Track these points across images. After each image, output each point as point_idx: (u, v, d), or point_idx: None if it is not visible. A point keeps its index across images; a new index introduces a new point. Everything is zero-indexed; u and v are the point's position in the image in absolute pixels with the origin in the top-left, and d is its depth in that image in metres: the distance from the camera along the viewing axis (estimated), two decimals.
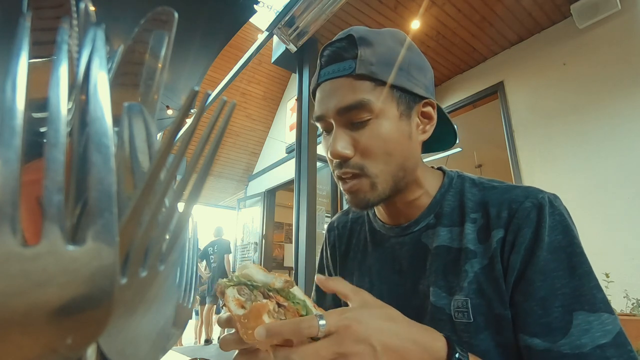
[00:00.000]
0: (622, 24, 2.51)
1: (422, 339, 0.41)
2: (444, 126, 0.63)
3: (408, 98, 0.56)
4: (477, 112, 3.69)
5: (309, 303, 0.43)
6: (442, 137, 0.65)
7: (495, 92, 3.23)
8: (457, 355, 0.41)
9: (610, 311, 0.45)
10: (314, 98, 0.60)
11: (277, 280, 0.43)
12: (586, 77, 2.65)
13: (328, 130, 0.57)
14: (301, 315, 0.41)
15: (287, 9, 2.90)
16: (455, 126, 0.65)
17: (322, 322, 0.37)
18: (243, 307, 0.40)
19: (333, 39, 0.58)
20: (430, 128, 0.59)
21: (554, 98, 2.81)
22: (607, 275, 1.82)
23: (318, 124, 0.58)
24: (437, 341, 0.42)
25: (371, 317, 0.39)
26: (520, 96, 3.05)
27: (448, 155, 5.03)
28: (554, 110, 2.80)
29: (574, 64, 2.73)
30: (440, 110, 0.61)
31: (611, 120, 2.48)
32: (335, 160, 0.55)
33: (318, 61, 0.59)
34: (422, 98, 0.57)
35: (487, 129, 4.16)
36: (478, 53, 3.26)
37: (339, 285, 0.43)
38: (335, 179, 0.58)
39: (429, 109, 0.59)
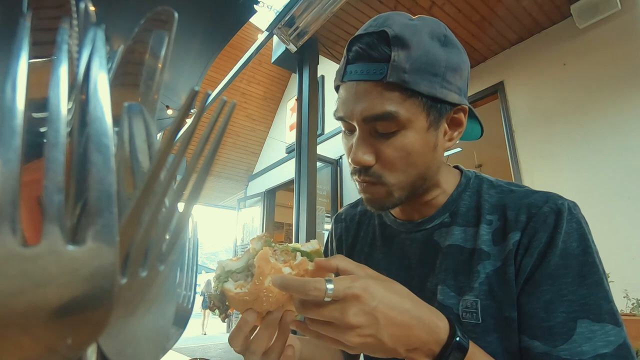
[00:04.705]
0: (622, 24, 2.51)
1: (427, 317, 0.41)
2: (469, 119, 0.61)
3: (440, 106, 0.52)
4: (477, 112, 3.69)
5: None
6: (467, 131, 0.64)
7: (495, 92, 3.23)
8: (457, 339, 0.41)
9: (616, 323, 0.45)
10: (337, 91, 0.57)
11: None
12: (586, 77, 2.65)
13: (350, 130, 0.55)
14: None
15: (287, 9, 2.89)
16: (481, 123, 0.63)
17: (329, 286, 0.37)
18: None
19: (363, 31, 0.52)
20: (457, 135, 0.56)
21: (554, 98, 2.81)
22: (607, 275, 1.81)
23: (339, 122, 0.56)
24: (440, 322, 0.42)
25: (380, 288, 0.39)
26: (520, 96, 3.05)
27: (448, 155, 5.02)
28: (554, 110, 2.80)
29: (574, 64, 2.73)
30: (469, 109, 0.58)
31: (611, 120, 2.47)
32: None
33: (344, 53, 0.54)
34: (455, 105, 0.53)
35: (487, 129, 4.16)
36: (478, 53, 3.26)
37: (341, 262, 0.42)
38: (353, 180, 0.57)
39: (460, 115, 0.55)
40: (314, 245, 0.46)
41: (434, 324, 0.41)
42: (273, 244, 0.45)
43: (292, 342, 0.54)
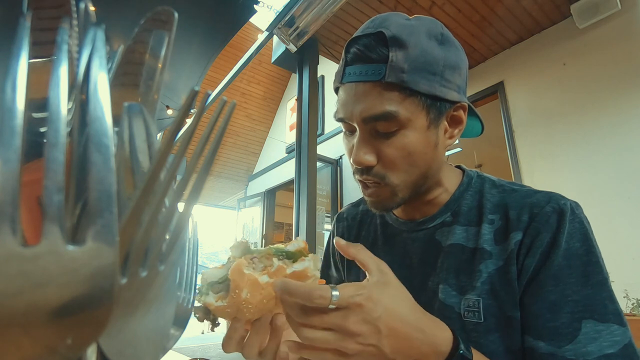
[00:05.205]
0: (622, 24, 2.51)
1: (430, 329, 0.41)
2: (469, 116, 0.61)
3: (439, 105, 0.52)
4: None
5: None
6: (467, 128, 0.64)
7: (495, 92, 3.23)
8: (460, 352, 0.40)
9: (621, 323, 0.45)
10: (336, 93, 0.57)
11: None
12: (586, 77, 2.65)
13: (351, 131, 0.56)
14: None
15: (287, 9, 2.90)
16: (481, 119, 0.63)
17: (335, 293, 0.36)
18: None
19: (361, 32, 0.53)
20: (458, 133, 0.56)
21: (554, 98, 2.81)
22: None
23: (340, 124, 0.56)
24: (443, 333, 0.41)
25: (385, 297, 0.39)
26: (520, 96, 3.05)
27: (448, 155, 5.02)
28: (554, 110, 2.80)
29: (574, 64, 2.73)
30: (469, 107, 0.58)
31: (611, 120, 2.47)
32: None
33: (343, 55, 0.54)
34: (454, 102, 0.54)
35: (487, 129, 4.16)
36: (478, 53, 3.26)
37: (360, 253, 0.42)
38: (356, 181, 0.57)
39: (460, 112, 0.55)
40: (299, 243, 0.45)
41: (437, 336, 0.41)
42: (253, 249, 0.44)
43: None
